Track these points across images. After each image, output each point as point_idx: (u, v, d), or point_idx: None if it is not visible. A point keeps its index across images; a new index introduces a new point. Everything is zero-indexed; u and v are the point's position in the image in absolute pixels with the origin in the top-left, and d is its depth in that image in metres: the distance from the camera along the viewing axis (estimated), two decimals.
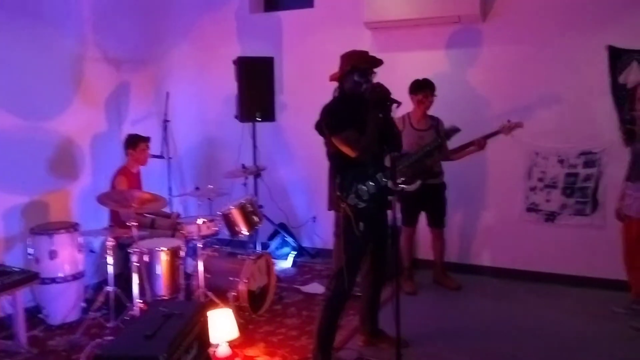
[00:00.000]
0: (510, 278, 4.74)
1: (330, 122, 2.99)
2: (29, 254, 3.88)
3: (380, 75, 3.09)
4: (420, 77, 4.37)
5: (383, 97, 2.91)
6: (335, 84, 3.15)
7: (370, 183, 3.00)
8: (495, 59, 4.75)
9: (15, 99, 4.01)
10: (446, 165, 4.45)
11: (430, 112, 4.38)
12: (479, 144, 4.15)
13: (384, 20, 4.89)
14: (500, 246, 4.87)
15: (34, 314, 3.94)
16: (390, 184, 2.95)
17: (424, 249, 4.84)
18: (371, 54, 3.22)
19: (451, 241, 4.81)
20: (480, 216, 4.94)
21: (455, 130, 4.11)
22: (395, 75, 4.75)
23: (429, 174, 4.28)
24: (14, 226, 4.02)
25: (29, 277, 3.57)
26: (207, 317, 2.52)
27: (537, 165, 4.68)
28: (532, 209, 4.72)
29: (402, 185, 4.24)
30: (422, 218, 4.55)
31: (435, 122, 4.35)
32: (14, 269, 3.59)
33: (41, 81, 4.19)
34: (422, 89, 4.29)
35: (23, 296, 3.65)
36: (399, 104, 2.92)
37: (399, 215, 4.07)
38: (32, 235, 3.88)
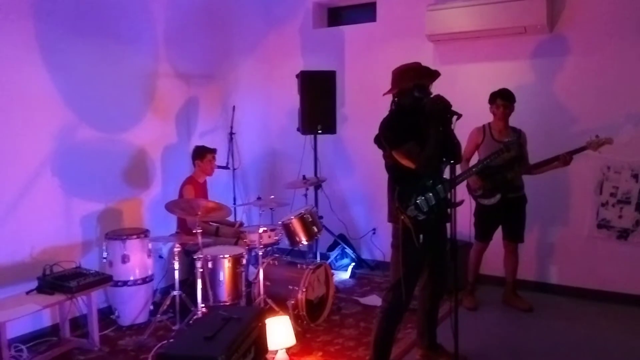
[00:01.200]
0: (580, 297, 4.55)
1: (390, 136, 2.99)
2: (104, 258, 4.12)
3: (441, 87, 3.07)
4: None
5: (443, 110, 2.90)
6: (390, 97, 3.16)
7: (430, 195, 2.99)
8: (564, 70, 4.61)
9: (95, 113, 4.29)
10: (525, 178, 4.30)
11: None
12: (564, 159, 3.97)
13: (447, 33, 4.87)
14: (569, 264, 4.68)
15: (107, 315, 4.18)
16: (450, 196, 2.93)
17: (493, 264, 4.71)
18: (433, 66, 3.22)
19: (523, 258, 4.56)
20: (548, 232, 4.77)
21: (515, 143, 4.02)
22: (458, 87, 4.77)
23: (510, 187, 4.19)
24: (90, 231, 4.29)
25: (103, 279, 3.80)
26: (265, 323, 2.59)
27: (609, 179, 4.48)
28: (603, 225, 4.52)
29: (480, 199, 4.21)
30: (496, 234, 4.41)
31: (518, 134, 4.22)
32: (89, 271, 3.83)
33: (118, 96, 4.48)
34: (495, 99, 4.20)
35: (97, 297, 3.89)
36: (459, 116, 2.89)
37: (461, 229, 4.08)
38: (106, 240, 4.13)
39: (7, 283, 3.67)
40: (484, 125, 4.27)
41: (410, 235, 2.93)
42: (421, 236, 2.94)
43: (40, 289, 3.57)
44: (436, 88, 3.06)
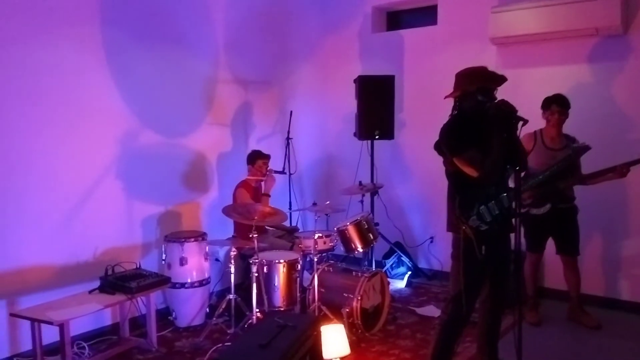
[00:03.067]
0: None
1: (451, 142, 2.88)
2: (163, 260, 4.21)
3: (506, 92, 2.94)
4: (550, 93, 4.10)
5: (508, 115, 2.77)
6: (451, 102, 3.05)
7: (493, 204, 2.86)
8: (635, 75, 4.33)
9: (157, 118, 4.40)
10: (581, 186, 4.07)
11: (566, 131, 4.07)
12: (621, 171, 3.75)
13: (512, 35, 4.69)
14: None
15: (165, 316, 4.26)
16: (514, 205, 2.79)
17: (553, 277, 4.48)
18: (497, 70, 3.09)
19: (588, 271, 4.36)
20: (621, 244, 4.48)
21: (585, 149, 3.80)
22: (522, 92, 4.58)
23: (561, 197, 3.98)
24: (150, 233, 4.39)
25: (161, 280, 3.87)
26: (320, 331, 2.55)
27: None
28: None
29: (530, 208, 4.02)
30: (550, 244, 4.21)
31: (571, 141, 4.02)
32: (149, 272, 3.91)
33: (179, 102, 4.58)
34: (550, 104, 4.01)
35: (156, 298, 3.97)
36: (525, 121, 2.75)
37: (523, 239, 3.88)
38: (165, 242, 4.22)
39: (71, 282, 3.80)
40: (535, 132, 4.07)
41: (472, 246, 2.82)
42: (483, 247, 2.82)
43: (102, 289, 3.67)
44: (499, 93, 2.92)
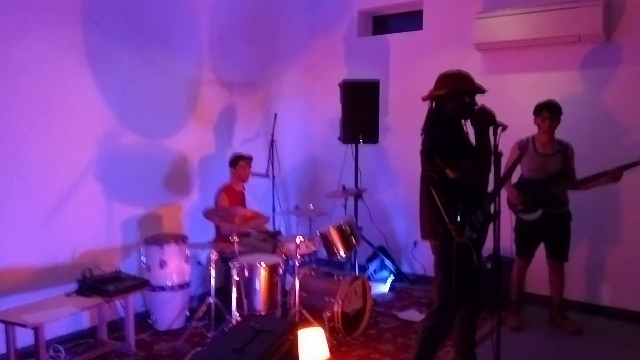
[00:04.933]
0: (633, 321, 4.28)
1: (445, 152, 2.82)
2: (142, 262, 4.16)
3: (489, 97, 2.93)
4: (534, 100, 4.12)
5: (489, 120, 2.77)
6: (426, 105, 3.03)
7: (478, 212, 2.85)
8: (618, 81, 4.38)
9: (139, 119, 4.36)
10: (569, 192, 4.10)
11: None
12: (614, 175, 3.75)
13: (495, 42, 4.71)
14: (622, 285, 4.40)
15: (145, 319, 4.21)
16: (492, 210, 2.80)
17: (537, 282, 4.50)
18: (481, 75, 3.10)
19: (571, 276, 4.35)
20: (599, 250, 4.51)
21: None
22: (506, 98, 4.62)
23: (554, 202, 3.99)
24: (131, 236, 4.34)
25: (140, 283, 3.82)
26: (297, 336, 2.52)
27: None
28: None
29: (522, 214, 4.03)
30: (538, 250, 4.20)
31: (564, 147, 4.02)
32: (128, 275, 3.86)
33: (161, 103, 4.53)
34: (539, 112, 4.01)
35: (135, 301, 3.92)
36: (504, 127, 2.75)
37: (510, 246, 3.90)
38: (145, 245, 4.17)
39: (48, 285, 3.74)
40: (527, 138, 4.09)
41: (466, 255, 2.80)
42: (474, 256, 2.84)
43: (79, 292, 3.61)
44: (483, 98, 2.91)
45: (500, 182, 3.04)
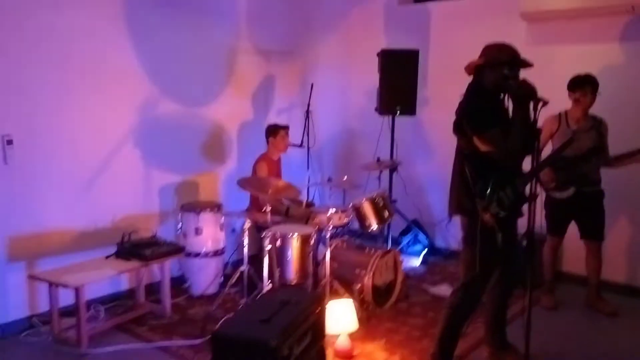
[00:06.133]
0: None
1: (473, 120, 2.77)
2: (178, 229, 4.27)
3: (534, 70, 2.81)
4: (581, 72, 3.94)
5: (529, 94, 2.67)
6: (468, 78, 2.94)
7: (509, 189, 2.78)
8: None
9: (177, 87, 4.41)
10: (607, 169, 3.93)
11: (593, 112, 3.91)
12: None
13: (543, 11, 4.49)
14: None
15: (181, 283, 4.34)
16: (527, 190, 2.72)
17: (572, 261, 4.39)
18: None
19: (611, 257, 4.21)
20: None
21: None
22: (551, 70, 4.42)
23: (585, 180, 3.86)
24: (168, 203, 4.45)
25: (175, 249, 3.93)
26: (324, 308, 2.55)
27: None
28: None
29: (553, 192, 3.91)
30: (572, 228, 4.09)
31: (598, 123, 3.87)
32: (164, 241, 3.97)
33: (199, 71, 4.57)
34: (580, 86, 3.82)
35: (171, 266, 4.04)
36: (545, 103, 2.64)
37: (540, 223, 3.79)
38: (181, 212, 4.26)
39: (89, 247, 3.89)
40: (560, 113, 3.93)
41: (490, 233, 2.76)
42: (500, 235, 2.77)
43: (118, 255, 3.75)
44: (529, 70, 2.80)
45: (540, 165, 2.97)
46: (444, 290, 4.39)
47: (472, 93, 2.90)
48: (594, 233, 3.99)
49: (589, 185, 3.89)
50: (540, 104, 2.62)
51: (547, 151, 3.91)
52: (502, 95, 2.88)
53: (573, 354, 3.41)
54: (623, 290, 4.37)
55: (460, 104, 2.90)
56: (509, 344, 3.25)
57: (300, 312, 2.29)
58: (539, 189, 3.83)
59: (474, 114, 2.79)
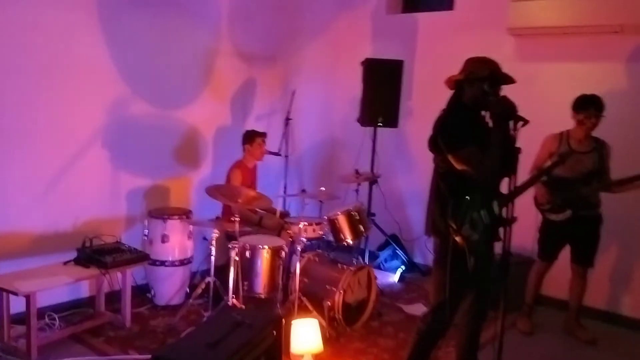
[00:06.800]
0: None
1: (448, 136, 2.64)
2: (144, 235, 4.09)
3: (520, 86, 2.69)
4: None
5: (508, 112, 2.54)
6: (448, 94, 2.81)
7: (484, 211, 2.63)
8: None
9: (151, 87, 4.24)
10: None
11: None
12: None
13: (531, 27, 4.40)
14: None
15: (145, 292, 4.15)
16: (503, 212, 2.58)
17: (555, 285, 4.26)
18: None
19: (592, 282, 4.04)
20: (626, 257, 4.23)
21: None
22: (537, 88, 4.32)
23: (584, 204, 3.73)
24: (135, 207, 4.26)
25: (139, 257, 3.75)
26: (282, 330, 2.39)
27: None
28: None
29: (548, 214, 3.78)
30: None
31: (600, 145, 3.73)
32: (128, 247, 3.79)
33: (175, 72, 4.39)
34: (585, 107, 3.66)
35: (136, 274, 3.85)
36: (525, 122, 2.51)
37: (526, 244, 3.66)
38: (148, 218, 4.08)
39: (48, 251, 3.70)
40: (561, 133, 3.81)
41: (461, 256, 2.61)
42: (472, 259, 2.62)
43: (77, 261, 3.57)
44: (514, 86, 2.67)
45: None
46: (418, 309, 4.26)
47: (451, 108, 2.77)
48: (585, 259, 3.87)
49: (587, 209, 3.76)
50: (520, 124, 2.49)
51: None
52: (482, 112, 2.75)
53: None
54: (602, 316, 4.26)
55: (438, 118, 2.77)
56: None
57: (253, 336, 2.12)
58: (534, 209, 3.75)
59: (449, 130, 2.67)
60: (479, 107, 2.73)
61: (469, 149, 2.58)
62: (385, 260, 5.15)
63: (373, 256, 5.10)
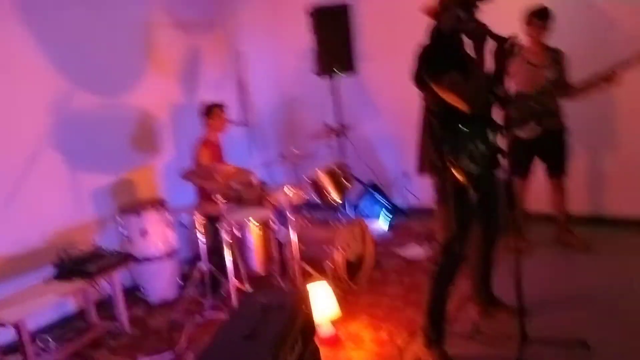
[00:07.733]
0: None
1: (430, 66, 2.53)
2: (122, 234, 3.82)
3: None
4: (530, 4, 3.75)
5: (484, 33, 2.46)
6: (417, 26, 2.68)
7: (479, 142, 2.56)
8: None
9: (90, 76, 3.89)
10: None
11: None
12: (610, 77, 3.46)
13: None
14: (633, 194, 4.23)
15: (135, 292, 3.93)
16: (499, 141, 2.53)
17: (539, 200, 4.31)
18: None
19: (572, 190, 4.09)
20: (608, 159, 4.30)
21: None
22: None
23: (545, 114, 3.71)
24: (104, 207, 3.97)
25: (122, 258, 3.51)
26: (309, 303, 2.26)
27: None
28: None
29: (514, 130, 3.75)
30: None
31: (557, 54, 3.72)
32: (108, 251, 3.53)
33: (112, 54, 4.04)
34: (532, 19, 3.65)
35: (121, 276, 3.62)
36: (504, 40, 2.42)
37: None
38: (121, 215, 3.82)
39: (22, 272, 3.41)
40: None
41: (463, 191, 2.54)
42: (473, 192, 2.56)
43: (58, 276, 3.29)
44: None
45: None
46: (414, 250, 4.24)
47: (431, 38, 2.64)
48: (558, 169, 3.91)
49: (550, 118, 3.75)
50: (508, 44, 2.40)
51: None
52: (463, 39, 2.63)
53: (555, 296, 3.31)
54: (589, 221, 4.36)
55: (418, 51, 2.63)
56: (497, 299, 3.12)
57: (287, 317, 1.99)
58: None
59: (430, 60, 2.56)
60: (457, 33, 2.61)
61: (452, 76, 2.48)
62: (366, 207, 5.08)
63: (354, 207, 5.02)
